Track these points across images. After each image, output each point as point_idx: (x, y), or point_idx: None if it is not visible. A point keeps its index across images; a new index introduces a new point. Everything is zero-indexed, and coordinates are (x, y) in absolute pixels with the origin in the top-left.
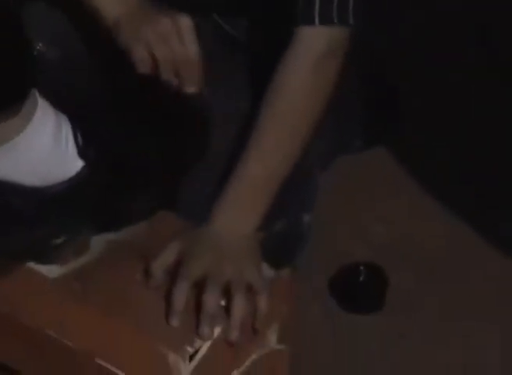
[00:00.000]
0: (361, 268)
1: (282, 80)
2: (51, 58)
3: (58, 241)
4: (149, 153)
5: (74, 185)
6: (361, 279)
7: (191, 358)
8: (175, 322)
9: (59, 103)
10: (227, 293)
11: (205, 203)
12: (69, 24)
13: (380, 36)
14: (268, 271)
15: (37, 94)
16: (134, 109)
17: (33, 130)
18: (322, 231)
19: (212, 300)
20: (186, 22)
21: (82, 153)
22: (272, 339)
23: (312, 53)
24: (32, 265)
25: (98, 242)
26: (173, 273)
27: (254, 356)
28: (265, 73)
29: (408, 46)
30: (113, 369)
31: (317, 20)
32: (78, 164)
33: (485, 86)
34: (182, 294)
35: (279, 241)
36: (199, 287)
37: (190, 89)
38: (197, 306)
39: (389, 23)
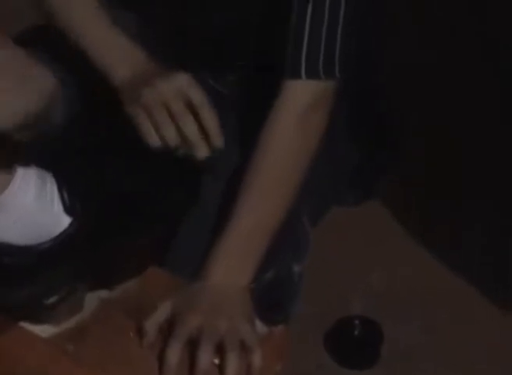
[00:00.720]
0: (356, 322)
1: (269, 134)
2: None
3: (51, 300)
4: (139, 207)
5: (62, 242)
6: (356, 333)
7: None
8: None
9: (38, 154)
10: (220, 350)
11: (195, 258)
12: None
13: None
14: (261, 327)
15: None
16: (122, 159)
17: (15, 189)
18: (317, 284)
19: (206, 358)
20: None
21: (68, 209)
22: None
23: (298, 106)
24: (25, 324)
25: (91, 300)
26: (167, 331)
27: None
28: (253, 127)
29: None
30: None
31: (303, 75)
32: (65, 220)
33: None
34: (175, 354)
35: (269, 291)
36: (193, 344)
37: (202, 154)
38: (191, 363)
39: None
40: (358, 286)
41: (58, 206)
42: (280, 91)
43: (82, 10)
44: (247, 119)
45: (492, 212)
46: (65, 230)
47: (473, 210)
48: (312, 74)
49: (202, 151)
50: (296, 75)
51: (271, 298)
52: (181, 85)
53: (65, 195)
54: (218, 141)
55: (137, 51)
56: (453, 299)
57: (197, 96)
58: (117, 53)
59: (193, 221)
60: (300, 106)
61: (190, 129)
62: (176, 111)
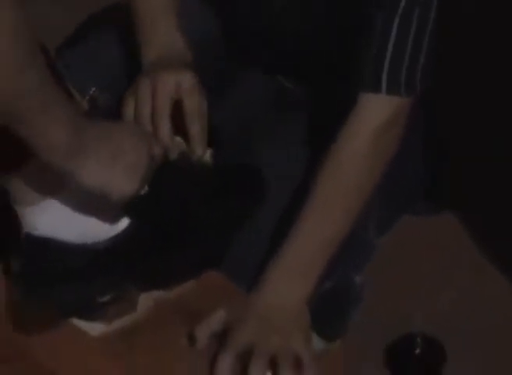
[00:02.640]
0: (418, 340)
1: (341, 147)
2: (102, 104)
3: (104, 298)
4: (197, 211)
5: (120, 242)
6: (417, 351)
7: None
8: None
9: None
10: (274, 366)
11: (253, 264)
12: (120, 67)
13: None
14: (318, 343)
15: None
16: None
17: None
18: (382, 297)
19: (258, 372)
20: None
21: (128, 211)
22: None
23: (376, 121)
24: (76, 321)
25: (146, 300)
26: (219, 341)
27: None
28: (322, 136)
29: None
30: None
31: (384, 89)
32: (124, 221)
33: None
34: (227, 366)
35: (328, 303)
36: (245, 358)
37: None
38: None
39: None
40: (425, 303)
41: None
42: (357, 104)
43: None
44: (316, 126)
45: None
46: (122, 232)
47: None
48: (393, 89)
49: (173, 153)
50: (376, 89)
51: (330, 309)
52: (180, 84)
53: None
54: (198, 149)
55: (177, 37)
56: None
57: (191, 102)
58: (156, 34)
59: (253, 226)
60: (378, 122)
61: (163, 128)
62: (157, 105)
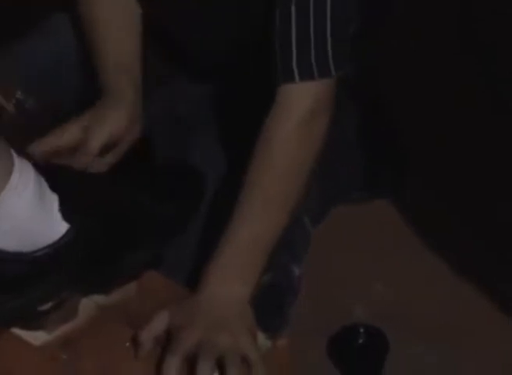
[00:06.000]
0: (361, 330)
1: (267, 143)
2: (28, 109)
3: (44, 307)
4: (138, 212)
5: (59, 249)
6: (360, 342)
7: None
8: None
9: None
10: (220, 365)
11: (191, 263)
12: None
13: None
14: (263, 340)
15: (13, 153)
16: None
17: (12, 193)
18: (321, 289)
19: (205, 373)
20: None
21: (67, 216)
22: None
23: (297, 112)
24: (17, 331)
25: (87, 306)
26: (163, 343)
27: None
28: (245, 132)
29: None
30: None
31: (297, 77)
32: (63, 227)
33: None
34: (173, 370)
35: (268, 295)
36: (191, 359)
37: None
38: None
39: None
40: (363, 293)
41: (56, 213)
42: (276, 98)
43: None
44: (237, 123)
45: None
46: (61, 238)
47: (491, 215)
48: (306, 75)
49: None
50: (289, 78)
51: (270, 301)
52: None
53: (65, 202)
54: None
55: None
56: (465, 311)
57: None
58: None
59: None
60: (300, 112)
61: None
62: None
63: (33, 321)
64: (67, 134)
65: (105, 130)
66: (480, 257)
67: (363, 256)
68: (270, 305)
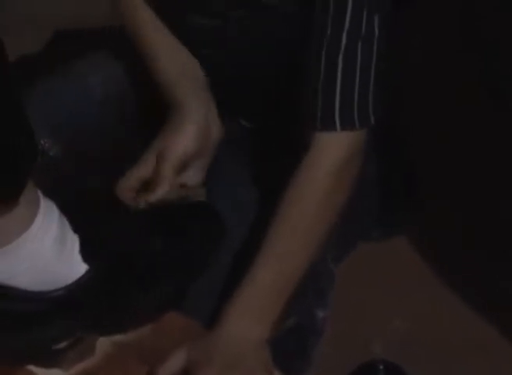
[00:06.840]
0: (380, 367)
1: (298, 188)
2: (54, 155)
3: (61, 345)
4: (157, 255)
5: (77, 289)
6: None
7: None
8: None
9: (61, 202)
10: None
11: (211, 302)
12: (72, 114)
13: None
14: None
15: (39, 193)
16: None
17: (34, 236)
18: (339, 325)
19: None
20: None
21: (86, 258)
22: None
23: (332, 162)
24: (34, 368)
25: (104, 344)
26: None
27: None
28: (274, 176)
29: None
30: None
31: (338, 126)
32: (82, 267)
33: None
34: None
35: (291, 340)
36: None
37: None
38: None
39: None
40: (382, 329)
41: (77, 254)
42: (313, 144)
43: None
44: (263, 168)
45: None
46: (80, 279)
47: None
48: (347, 125)
49: None
50: (330, 127)
51: (293, 344)
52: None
53: (85, 244)
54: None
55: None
56: (486, 350)
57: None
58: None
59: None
60: (335, 162)
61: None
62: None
63: (49, 359)
64: (149, 164)
65: (176, 149)
66: (502, 292)
67: (381, 292)
68: (293, 347)
